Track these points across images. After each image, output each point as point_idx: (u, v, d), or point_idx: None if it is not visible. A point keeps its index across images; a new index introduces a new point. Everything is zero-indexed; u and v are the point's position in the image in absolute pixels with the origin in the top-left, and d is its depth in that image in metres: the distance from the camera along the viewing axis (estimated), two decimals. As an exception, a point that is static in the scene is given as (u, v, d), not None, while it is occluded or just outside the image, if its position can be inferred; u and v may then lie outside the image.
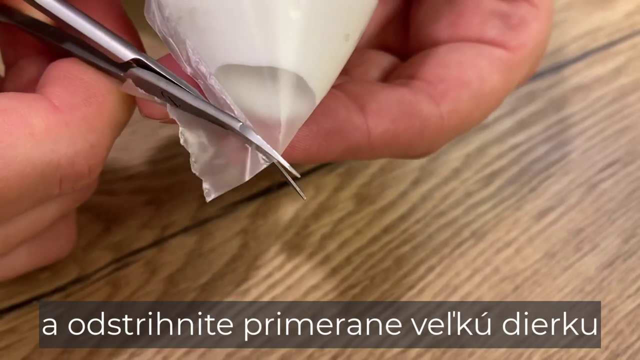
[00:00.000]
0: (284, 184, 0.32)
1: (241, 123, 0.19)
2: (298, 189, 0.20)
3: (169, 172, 0.32)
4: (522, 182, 0.33)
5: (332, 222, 0.30)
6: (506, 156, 0.34)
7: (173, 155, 0.33)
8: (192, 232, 0.30)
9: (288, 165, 0.19)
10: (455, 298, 0.28)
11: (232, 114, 0.19)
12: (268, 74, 0.18)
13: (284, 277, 0.28)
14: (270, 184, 0.32)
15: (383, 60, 0.27)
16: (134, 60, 0.20)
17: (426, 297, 0.28)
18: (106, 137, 0.20)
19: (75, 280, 0.28)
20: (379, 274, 0.29)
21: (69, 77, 0.19)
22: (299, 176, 0.19)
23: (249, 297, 0.28)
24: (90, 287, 0.27)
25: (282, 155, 0.19)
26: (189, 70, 0.19)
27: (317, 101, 0.19)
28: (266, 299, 0.28)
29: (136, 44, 0.22)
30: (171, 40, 0.19)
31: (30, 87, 0.21)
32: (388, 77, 0.26)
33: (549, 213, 0.32)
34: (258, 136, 0.19)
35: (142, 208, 0.30)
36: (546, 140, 0.36)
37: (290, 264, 0.29)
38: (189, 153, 0.19)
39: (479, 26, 0.25)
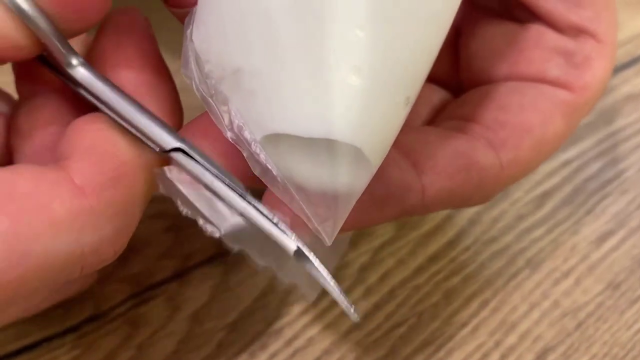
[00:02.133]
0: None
1: (297, 247, 0.17)
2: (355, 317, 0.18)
3: (190, 195, 0.29)
4: (577, 202, 0.30)
5: (372, 250, 0.28)
6: (558, 173, 0.32)
7: (194, 176, 0.30)
8: (217, 262, 0.27)
9: (346, 303, 0.17)
10: (513, 337, 0.25)
11: (287, 233, 0.17)
12: (323, 146, 0.15)
13: (320, 314, 0.25)
14: (302, 207, 0.29)
15: (433, 96, 0.24)
16: (176, 148, 0.17)
17: (481, 335, 0.25)
18: (135, 218, 0.17)
19: (90, 319, 0.25)
20: (427, 310, 0.26)
21: (96, 151, 0.17)
22: (358, 320, 0.17)
23: (283, 338, 0.25)
24: (106, 327, 0.25)
25: None
26: (229, 134, 0.16)
27: (374, 171, 0.16)
28: (302, 340, 0.25)
29: (177, 113, 0.19)
30: (211, 101, 0.16)
31: (51, 141, 0.18)
32: (439, 115, 0.24)
33: (609, 238, 0.29)
34: (318, 263, 0.17)
35: (162, 235, 0.27)
36: (599, 155, 0.33)
37: (327, 298, 0.26)
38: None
39: (541, 64, 0.22)
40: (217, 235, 0.17)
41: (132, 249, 0.27)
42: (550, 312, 0.26)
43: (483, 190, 0.21)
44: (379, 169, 0.17)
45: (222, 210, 0.17)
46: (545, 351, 0.25)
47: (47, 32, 0.17)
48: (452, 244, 0.28)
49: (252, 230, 0.17)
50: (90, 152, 0.17)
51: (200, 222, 0.17)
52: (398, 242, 0.28)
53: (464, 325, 0.25)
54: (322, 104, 0.15)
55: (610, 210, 0.30)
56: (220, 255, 0.27)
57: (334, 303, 0.26)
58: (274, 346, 0.24)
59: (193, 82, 0.17)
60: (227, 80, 0.16)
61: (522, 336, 0.25)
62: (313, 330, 0.25)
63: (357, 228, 0.19)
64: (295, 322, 0.25)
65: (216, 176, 0.17)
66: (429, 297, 0.26)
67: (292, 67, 0.15)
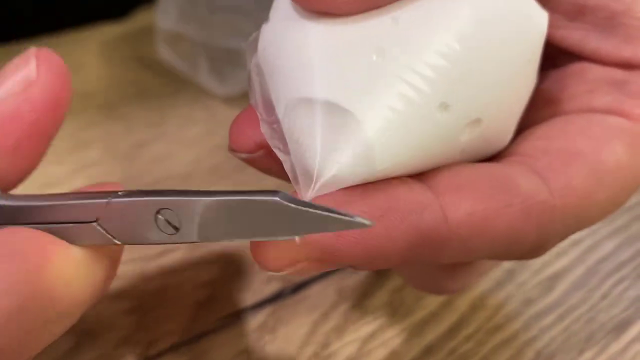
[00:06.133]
0: (298, 288, 0.26)
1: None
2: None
3: (159, 273, 0.26)
4: (590, 286, 0.27)
5: (360, 340, 0.24)
6: (567, 254, 0.29)
7: (164, 252, 0.27)
8: (183, 351, 0.24)
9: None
10: None
11: None
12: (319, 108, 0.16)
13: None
14: (282, 288, 0.26)
15: None
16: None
17: None
18: (37, 310, 0.15)
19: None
20: (423, 412, 0.22)
21: None
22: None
23: None
24: None
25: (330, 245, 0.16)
26: (252, 101, 0.18)
27: (378, 162, 0.16)
28: None
29: None
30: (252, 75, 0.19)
31: None
32: None
33: (629, 327, 0.26)
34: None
35: (123, 318, 0.24)
36: (612, 234, 0.30)
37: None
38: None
39: (585, 96, 0.20)
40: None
41: (88, 333, 0.24)
42: (566, 415, 0.23)
43: (533, 226, 0.17)
44: (376, 185, 0.16)
45: None
46: None
47: None
48: (451, 332, 0.25)
49: None
50: None
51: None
52: (390, 330, 0.25)
53: None
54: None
55: (627, 295, 0.27)
56: (186, 343, 0.24)
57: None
58: None
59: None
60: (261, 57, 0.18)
61: None
62: None
63: (366, 257, 0.16)
64: None
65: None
66: (424, 395, 0.23)
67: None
